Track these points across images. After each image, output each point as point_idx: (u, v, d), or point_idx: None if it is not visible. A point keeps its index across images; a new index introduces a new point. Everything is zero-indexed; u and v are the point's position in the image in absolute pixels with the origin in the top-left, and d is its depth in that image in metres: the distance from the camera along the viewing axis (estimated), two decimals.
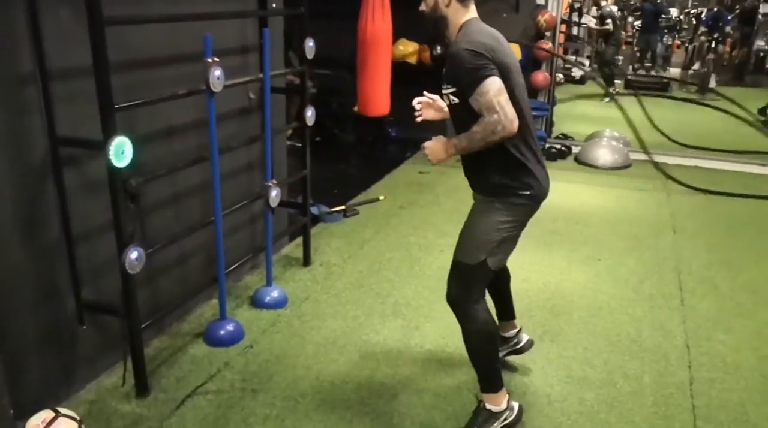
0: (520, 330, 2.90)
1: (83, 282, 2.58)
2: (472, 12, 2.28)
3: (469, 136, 2.17)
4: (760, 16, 13.15)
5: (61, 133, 2.36)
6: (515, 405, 2.52)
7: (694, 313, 3.50)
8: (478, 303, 2.39)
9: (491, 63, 2.12)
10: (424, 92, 2.61)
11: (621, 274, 3.96)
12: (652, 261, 4.16)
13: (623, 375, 2.92)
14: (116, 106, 2.28)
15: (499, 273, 2.61)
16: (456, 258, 2.42)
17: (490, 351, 2.46)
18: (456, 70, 2.17)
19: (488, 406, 2.46)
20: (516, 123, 2.11)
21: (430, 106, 2.60)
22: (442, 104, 2.54)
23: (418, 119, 2.60)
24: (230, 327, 3.08)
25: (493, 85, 2.09)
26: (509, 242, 2.40)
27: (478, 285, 2.40)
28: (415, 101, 2.59)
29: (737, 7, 14.29)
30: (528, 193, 2.30)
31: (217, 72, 2.67)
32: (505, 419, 2.47)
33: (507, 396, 2.51)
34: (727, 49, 13.11)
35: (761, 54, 12.74)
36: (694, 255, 4.28)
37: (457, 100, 2.23)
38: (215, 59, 2.66)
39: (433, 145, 2.32)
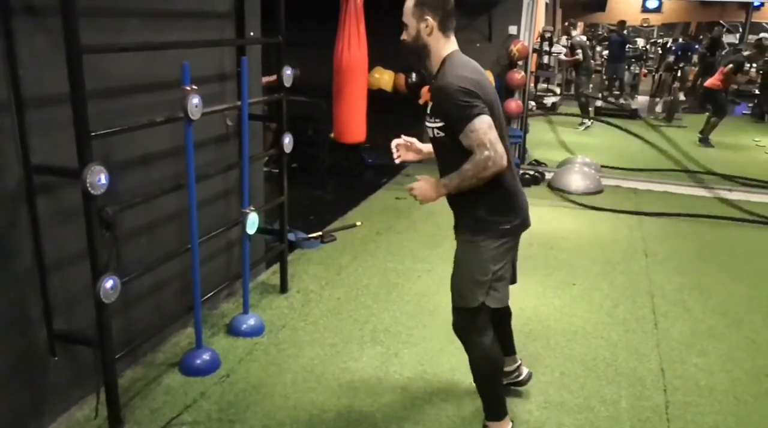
0: (520, 365, 2.92)
1: (55, 312, 2.53)
2: (453, 43, 2.31)
3: (460, 174, 2.19)
4: (726, 46, 13.60)
5: (36, 160, 2.33)
6: None
7: (667, 336, 3.55)
8: (483, 333, 2.42)
9: (481, 100, 2.15)
10: (402, 136, 2.59)
11: (595, 299, 4.01)
12: (625, 286, 4.22)
13: (600, 399, 2.94)
14: (92, 134, 2.26)
15: (500, 311, 2.60)
16: (454, 304, 2.43)
17: (495, 379, 2.51)
18: (445, 105, 2.19)
19: None
20: (506, 158, 2.17)
21: (408, 148, 2.58)
22: (420, 146, 2.55)
23: (397, 161, 2.58)
24: (206, 356, 3.04)
25: (484, 122, 2.13)
26: (503, 274, 2.39)
27: (481, 323, 2.41)
28: (393, 144, 2.57)
29: (701, 37, 14.77)
30: (513, 224, 2.34)
31: (195, 100, 2.67)
32: None
33: (511, 424, 2.57)
34: (691, 77, 13.49)
35: None
36: (666, 279, 4.35)
37: (442, 134, 2.26)
38: (193, 87, 2.66)
39: (423, 186, 2.32)
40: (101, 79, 2.54)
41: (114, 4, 2.64)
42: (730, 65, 9.58)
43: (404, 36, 2.33)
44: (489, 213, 2.30)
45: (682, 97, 12.51)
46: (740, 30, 15.72)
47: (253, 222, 3.28)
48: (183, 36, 3.03)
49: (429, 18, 2.24)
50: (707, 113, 9.93)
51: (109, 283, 2.39)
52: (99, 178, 2.26)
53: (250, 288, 3.64)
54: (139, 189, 2.81)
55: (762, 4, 14.83)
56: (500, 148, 2.14)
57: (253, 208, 3.30)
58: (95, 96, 2.37)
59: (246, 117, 3.21)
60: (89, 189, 2.24)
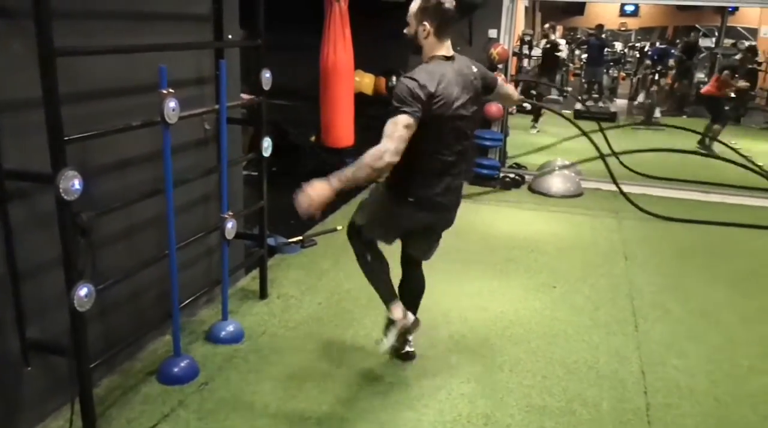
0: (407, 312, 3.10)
1: (29, 321, 2.47)
2: (445, 48, 2.60)
3: (358, 163, 2.39)
4: (703, 50, 13.82)
5: (9, 166, 2.28)
6: (411, 316, 3.00)
7: (648, 339, 3.57)
8: (363, 248, 2.95)
9: (418, 104, 2.40)
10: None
11: (576, 301, 4.02)
12: (606, 288, 4.25)
13: (582, 402, 2.94)
14: (66, 138, 2.22)
15: (411, 270, 3.13)
16: (354, 216, 2.95)
17: (371, 277, 3.02)
18: (394, 96, 2.47)
19: (389, 316, 2.98)
20: (396, 158, 2.37)
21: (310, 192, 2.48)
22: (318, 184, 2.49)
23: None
24: (184, 364, 2.99)
25: (405, 120, 2.39)
26: (387, 229, 2.89)
27: (364, 238, 2.92)
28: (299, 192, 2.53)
29: (678, 41, 14.96)
30: (414, 200, 2.67)
31: (172, 103, 2.63)
32: (404, 326, 2.96)
33: (400, 307, 2.96)
34: (669, 81, 13.66)
35: (701, 86, 13.33)
36: (645, 281, 4.39)
37: None
38: (170, 90, 2.62)
39: (312, 188, 2.39)
40: (76, 82, 2.48)
41: (89, 6, 2.60)
42: (726, 71, 9.68)
43: (406, 30, 2.63)
44: (402, 186, 2.67)
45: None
46: (716, 34, 15.96)
47: (232, 227, 3.24)
48: (160, 38, 2.98)
49: (427, 24, 2.54)
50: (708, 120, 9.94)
51: (83, 291, 2.34)
52: (73, 184, 2.22)
53: (230, 294, 3.59)
54: (116, 194, 2.76)
55: (736, 9, 15.08)
56: (400, 147, 2.36)
57: (231, 213, 3.26)
58: (70, 100, 2.32)
59: (224, 121, 3.17)
60: (63, 194, 2.20)
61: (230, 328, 3.36)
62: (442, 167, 2.66)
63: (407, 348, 3.21)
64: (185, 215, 3.25)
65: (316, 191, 2.39)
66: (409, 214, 2.74)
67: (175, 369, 2.96)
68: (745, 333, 3.68)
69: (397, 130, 2.37)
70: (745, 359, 3.38)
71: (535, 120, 10.84)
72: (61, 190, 2.18)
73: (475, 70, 2.70)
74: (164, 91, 2.61)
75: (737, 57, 10.70)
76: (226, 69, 3.11)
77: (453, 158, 2.67)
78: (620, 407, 2.92)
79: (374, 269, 3.00)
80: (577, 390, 3.03)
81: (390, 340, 3.00)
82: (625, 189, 6.80)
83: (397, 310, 2.96)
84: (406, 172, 2.60)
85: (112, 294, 2.82)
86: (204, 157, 3.44)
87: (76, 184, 2.22)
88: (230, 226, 3.24)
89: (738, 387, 3.11)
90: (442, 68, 2.53)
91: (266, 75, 3.46)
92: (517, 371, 3.17)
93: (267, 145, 3.56)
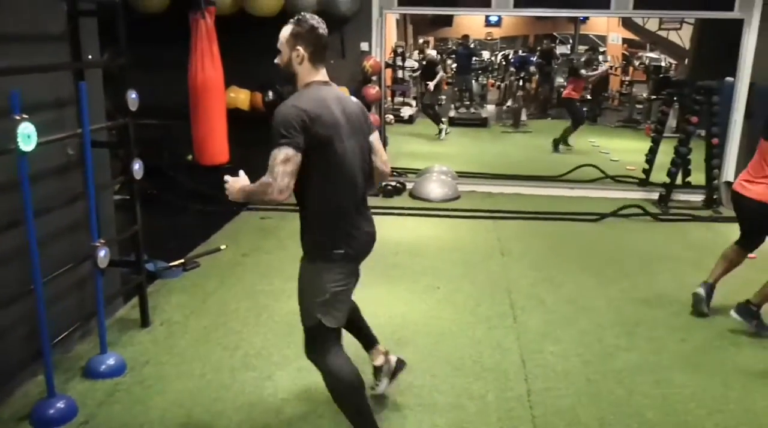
0: (387, 353, 2.97)
1: None
2: (321, 74, 2.43)
3: (253, 188, 2.34)
4: (559, 57, 14.87)
5: None
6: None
7: (525, 329, 3.79)
8: (333, 355, 2.47)
9: (298, 133, 2.23)
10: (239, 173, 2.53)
11: (459, 299, 4.20)
12: (485, 284, 4.47)
13: (469, 396, 3.08)
14: None
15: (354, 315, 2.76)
16: (302, 321, 2.51)
17: (354, 398, 2.52)
18: (272, 127, 2.29)
19: None
20: (285, 194, 2.25)
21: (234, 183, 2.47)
22: (242, 182, 2.46)
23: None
24: (60, 405, 2.81)
25: (283, 154, 2.22)
26: (343, 296, 2.48)
27: (328, 340, 2.48)
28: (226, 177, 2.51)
29: (539, 48, 16.03)
30: (347, 252, 2.42)
31: (27, 130, 2.48)
32: None
33: None
34: (533, 86, 14.59)
35: (561, 89, 14.37)
36: (521, 275, 4.66)
37: None
38: (24, 116, 2.47)
39: (232, 184, 2.43)
40: None
41: None
42: (571, 74, 10.49)
43: (277, 60, 2.45)
44: (321, 241, 2.40)
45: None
46: (570, 41, 17.26)
47: (104, 255, 3.10)
48: (11, 61, 2.81)
49: (300, 48, 2.37)
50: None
51: None
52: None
53: (108, 325, 3.42)
54: None
55: (587, 18, 16.40)
56: (284, 182, 2.22)
57: (103, 241, 3.11)
58: None
59: (88, 145, 3.03)
60: None
61: (110, 361, 3.20)
62: (357, 197, 2.46)
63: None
64: (52, 246, 3.06)
65: (232, 182, 2.43)
66: (348, 268, 2.47)
67: (50, 411, 2.77)
68: (610, 315, 4.01)
69: (276, 164, 2.22)
70: (611, 339, 3.68)
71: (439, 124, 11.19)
72: None
73: (356, 102, 2.58)
74: (17, 117, 2.45)
75: (583, 59, 11.70)
76: (87, 91, 2.97)
77: (360, 189, 2.48)
78: (504, 396, 3.08)
79: (355, 384, 2.49)
80: (464, 385, 3.17)
81: None
82: (498, 189, 7.20)
83: None
84: (323, 224, 2.40)
85: None
86: (69, 184, 3.26)
87: None
88: (102, 254, 3.09)
89: (606, 366, 3.38)
90: (321, 93, 2.39)
91: (132, 95, 3.35)
92: (407, 371, 3.23)
93: (138, 167, 3.44)
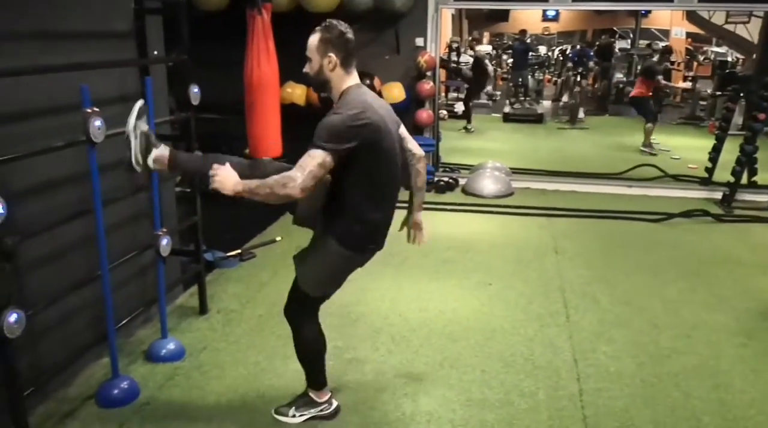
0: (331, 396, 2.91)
1: None
2: (353, 78, 2.45)
3: (263, 181, 2.25)
4: (617, 52, 14.50)
5: None
6: (335, 402, 2.87)
7: (578, 328, 3.74)
8: (310, 321, 2.72)
9: (342, 143, 2.26)
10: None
11: (511, 297, 4.17)
12: (538, 282, 4.42)
13: (519, 393, 3.06)
14: None
15: None
16: (297, 282, 2.66)
17: (314, 357, 2.78)
18: (318, 129, 2.29)
19: (311, 394, 2.83)
20: (305, 194, 2.24)
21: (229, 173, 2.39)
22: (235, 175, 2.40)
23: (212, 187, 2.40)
24: (124, 385, 2.94)
25: (321, 158, 2.23)
26: (340, 279, 2.66)
27: (314, 308, 2.72)
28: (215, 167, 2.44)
29: (597, 43, 15.67)
30: (373, 246, 2.55)
31: (98, 122, 2.60)
32: (322, 410, 2.84)
33: (330, 394, 2.86)
34: (590, 82, 14.27)
35: (620, 85, 14.00)
36: (575, 274, 4.59)
37: None
38: (95, 109, 2.59)
39: (224, 176, 2.30)
40: None
41: (6, 27, 2.55)
42: (658, 77, 10.13)
43: (307, 69, 2.45)
44: (361, 231, 2.48)
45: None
46: (631, 36, 16.77)
47: (166, 244, 3.21)
48: (82, 57, 2.94)
49: (332, 55, 2.38)
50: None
51: (13, 317, 2.28)
52: None
53: (168, 311, 3.55)
54: (43, 217, 2.71)
55: (649, 12, 15.90)
56: (310, 183, 2.22)
57: (165, 230, 3.23)
58: None
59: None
60: None
61: (170, 346, 3.32)
62: (387, 197, 2.54)
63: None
64: (117, 234, 3.20)
65: (225, 176, 2.29)
66: (361, 259, 2.59)
67: (115, 391, 2.91)
68: (666, 317, 3.90)
69: (311, 164, 2.23)
70: (668, 341, 3.59)
71: (468, 121, 11.17)
72: None
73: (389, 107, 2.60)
74: (88, 110, 2.58)
75: (655, 59, 11.23)
76: (152, 86, 3.09)
77: (398, 181, 2.55)
78: (555, 395, 3.05)
79: (320, 346, 2.76)
80: (514, 382, 3.15)
81: (298, 419, 2.80)
82: (554, 186, 7.09)
83: (327, 395, 2.84)
84: (360, 213, 2.45)
85: (43, 319, 2.76)
86: (134, 175, 3.38)
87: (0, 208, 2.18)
88: (164, 243, 3.21)
89: (662, 368, 3.30)
90: (362, 96, 2.41)
91: (194, 90, 3.46)
92: (457, 367, 3.26)
93: None
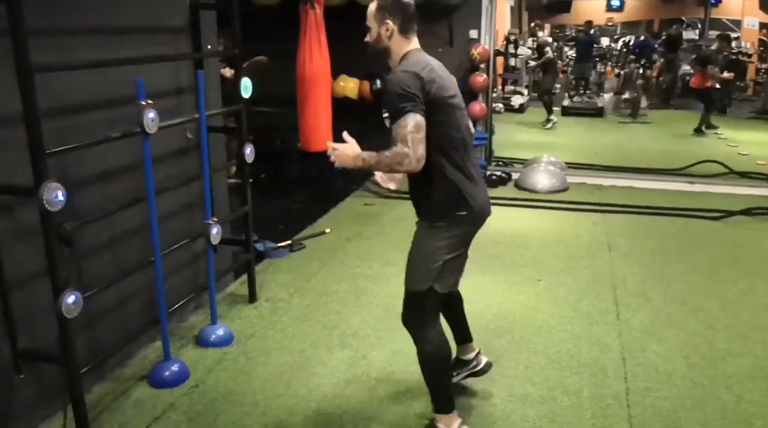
0: (479, 353, 2.96)
1: (19, 330, 2.54)
2: (414, 43, 2.42)
3: (379, 157, 2.27)
4: (684, 43, 13.93)
5: None
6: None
7: (629, 326, 3.65)
8: (431, 327, 2.49)
9: (419, 98, 2.22)
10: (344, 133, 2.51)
11: (560, 293, 4.10)
12: (589, 279, 4.32)
13: (563, 390, 3.02)
14: (47, 152, 2.29)
15: (451, 297, 2.72)
16: (406, 286, 2.50)
17: (441, 373, 2.56)
18: (388, 96, 2.28)
19: (439, 424, 2.59)
20: (422, 162, 2.23)
21: (345, 149, 2.40)
22: (356, 149, 2.39)
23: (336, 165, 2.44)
24: (175, 368, 3.06)
25: (412, 121, 2.20)
26: (456, 264, 2.49)
27: (430, 309, 2.49)
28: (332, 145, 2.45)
29: (663, 34, 15.09)
30: (465, 212, 2.40)
31: (151, 114, 2.71)
32: None
33: (459, 419, 2.61)
34: (655, 74, 13.77)
35: (687, 78, 13.45)
36: (628, 272, 4.47)
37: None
38: (149, 101, 2.70)
39: (344, 150, 2.35)
40: (56, 97, 2.57)
41: (65, 22, 2.68)
42: (710, 65, 9.80)
43: (367, 38, 2.45)
44: (444, 202, 2.39)
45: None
46: (699, 26, 16.10)
47: (217, 233, 3.31)
48: (138, 51, 3.06)
49: (389, 22, 2.36)
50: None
51: (71, 298, 2.41)
52: (56, 195, 2.28)
53: (218, 299, 3.67)
54: (99, 204, 2.84)
55: (719, 1, 15.23)
56: (420, 150, 2.21)
57: (216, 219, 3.33)
58: (50, 114, 2.41)
59: (205, 129, 3.25)
60: (46, 206, 2.27)
61: (219, 332, 3.43)
62: (470, 159, 2.45)
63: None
64: (170, 222, 3.32)
65: (347, 149, 2.35)
66: (466, 231, 2.47)
67: (166, 373, 3.03)
68: (723, 318, 3.76)
69: (408, 133, 2.18)
70: (722, 343, 3.46)
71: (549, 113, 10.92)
72: (44, 202, 2.25)
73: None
74: (143, 103, 2.69)
75: (713, 47, 10.74)
76: (204, 79, 3.19)
77: (471, 142, 2.47)
78: (600, 393, 2.99)
79: (444, 355, 2.53)
80: (558, 379, 3.11)
81: None
82: (609, 182, 6.91)
83: (457, 421, 2.60)
84: (441, 189, 2.37)
85: (99, 302, 2.90)
86: (187, 165, 3.51)
87: (60, 195, 2.29)
88: (215, 232, 3.31)
89: (714, 370, 3.19)
90: (423, 57, 2.37)
91: (246, 83, 3.54)
92: (500, 362, 3.24)
93: (249, 152, 3.64)
